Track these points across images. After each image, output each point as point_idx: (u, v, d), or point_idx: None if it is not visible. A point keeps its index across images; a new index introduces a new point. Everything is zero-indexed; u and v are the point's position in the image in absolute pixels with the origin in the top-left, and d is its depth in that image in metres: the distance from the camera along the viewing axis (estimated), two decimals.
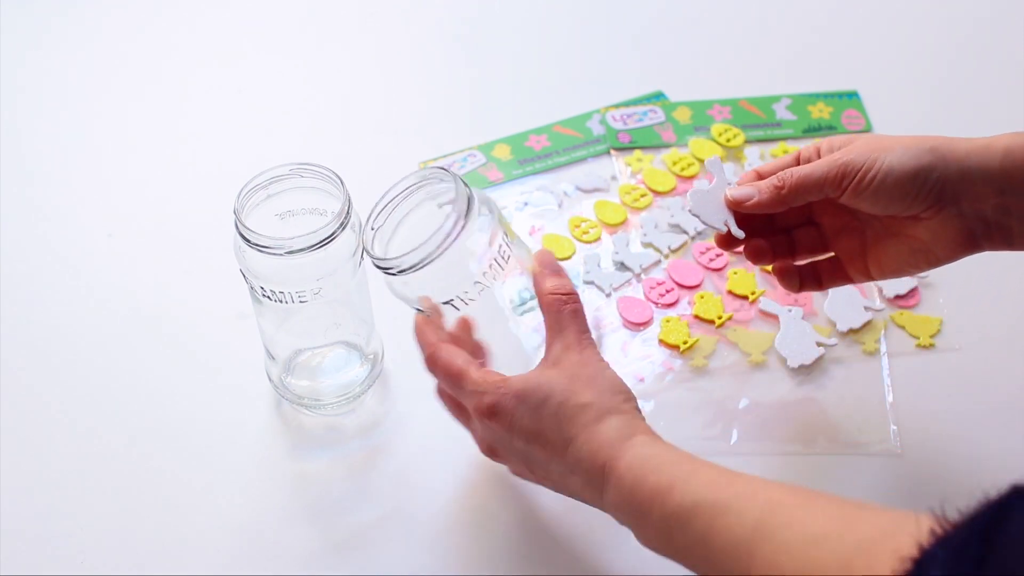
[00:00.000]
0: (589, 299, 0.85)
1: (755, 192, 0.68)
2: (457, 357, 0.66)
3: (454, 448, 0.75)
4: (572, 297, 0.66)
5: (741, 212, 0.69)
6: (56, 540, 0.72)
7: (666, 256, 0.87)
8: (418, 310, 0.69)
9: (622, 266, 0.87)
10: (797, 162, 0.70)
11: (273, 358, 0.76)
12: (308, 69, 1.04)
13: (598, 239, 0.89)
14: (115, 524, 0.72)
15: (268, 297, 0.70)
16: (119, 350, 0.82)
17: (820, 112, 0.97)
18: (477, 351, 0.69)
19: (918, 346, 0.81)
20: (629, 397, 0.63)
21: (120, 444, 0.76)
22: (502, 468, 0.74)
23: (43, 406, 0.79)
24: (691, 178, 0.92)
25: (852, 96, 0.98)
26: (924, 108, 0.98)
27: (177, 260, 0.88)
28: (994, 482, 0.73)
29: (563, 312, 0.65)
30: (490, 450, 0.68)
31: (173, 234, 0.90)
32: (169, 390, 0.79)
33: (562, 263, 0.86)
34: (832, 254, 0.72)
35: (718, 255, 0.87)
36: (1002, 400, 0.77)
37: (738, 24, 1.07)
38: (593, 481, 0.61)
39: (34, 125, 0.99)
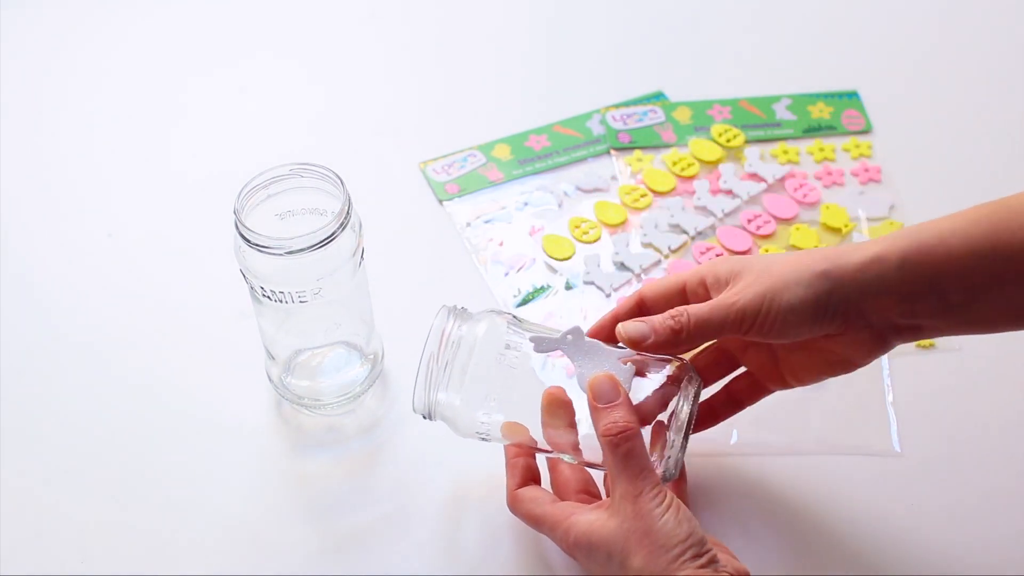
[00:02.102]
0: (589, 299, 0.85)
1: (650, 332, 0.65)
2: (532, 504, 0.67)
3: (454, 448, 0.75)
4: (625, 435, 0.62)
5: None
6: (56, 540, 0.72)
7: (666, 256, 0.87)
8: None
9: (622, 266, 0.87)
10: (683, 293, 0.68)
11: (273, 358, 0.76)
12: (309, 69, 1.04)
13: (598, 239, 0.89)
14: (115, 524, 0.72)
15: (268, 297, 0.70)
16: (119, 350, 0.82)
17: (820, 112, 0.97)
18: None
19: (918, 346, 0.81)
20: (684, 544, 0.60)
21: (120, 444, 0.76)
22: (500, 469, 0.74)
23: (43, 406, 0.79)
24: (691, 178, 0.92)
25: (852, 96, 0.98)
26: (924, 108, 0.98)
27: (177, 260, 0.88)
28: (994, 482, 0.73)
29: (617, 454, 0.62)
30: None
31: (173, 234, 0.90)
32: (169, 390, 0.79)
33: (562, 263, 0.86)
34: (743, 369, 0.71)
35: (718, 255, 0.87)
36: (1002, 400, 0.77)
37: (738, 24, 1.07)
38: None
39: (34, 125, 0.99)
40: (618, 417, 0.62)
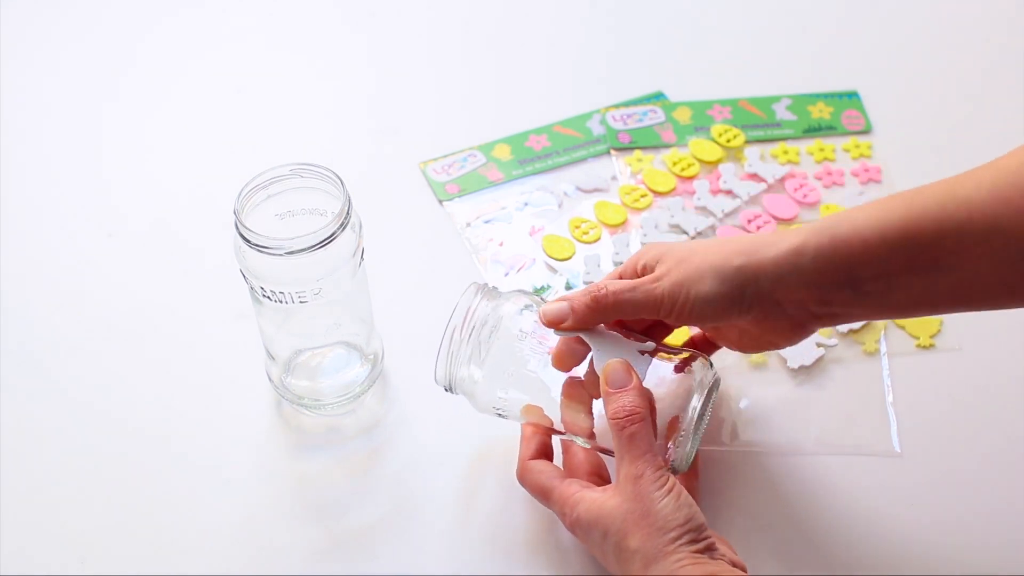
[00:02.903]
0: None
1: (568, 310, 0.66)
2: (541, 475, 0.68)
3: (454, 448, 0.76)
4: (631, 417, 0.63)
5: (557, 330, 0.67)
6: (56, 540, 0.72)
7: None
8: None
9: None
10: (636, 276, 0.69)
11: (273, 358, 0.76)
12: (308, 69, 1.04)
13: (598, 239, 0.89)
14: (115, 524, 0.72)
15: (268, 297, 0.70)
16: (119, 350, 0.82)
17: (820, 112, 0.97)
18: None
19: (918, 346, 0.81)
20: (681, 528, 0.61)
21: (120, 444, 0.76)
22: (500, 469, 0.74)
23: (43, 406, 0.79)
24: (691, 178, 0.92)
25: (852, 96, 0.98)
26: (924, 108, 0.98)
27: (177, 260, 0.88)
28: (994, 482, 0.73)
29: (622, 436, 0.63)
30: (592, 553, 0.68)
31: (173, 234, 0.90)
32: (169, 390, 0.79)
33: (562, 263, 0.86)
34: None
35: None
36: (1002, 400, 0.77)
37: (738, 24, 1.07)
38: None
39: (34, 125, 0.99)
40: (627, 401, 0.64)
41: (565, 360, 0.68)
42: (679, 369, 0.67)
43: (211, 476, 0.75)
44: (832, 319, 0.66)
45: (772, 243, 0.64)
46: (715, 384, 0.67)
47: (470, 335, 0.68)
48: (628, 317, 0.68)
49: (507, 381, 0.68)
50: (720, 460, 0.74)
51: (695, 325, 0.67)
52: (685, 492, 0.62)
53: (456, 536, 0.71)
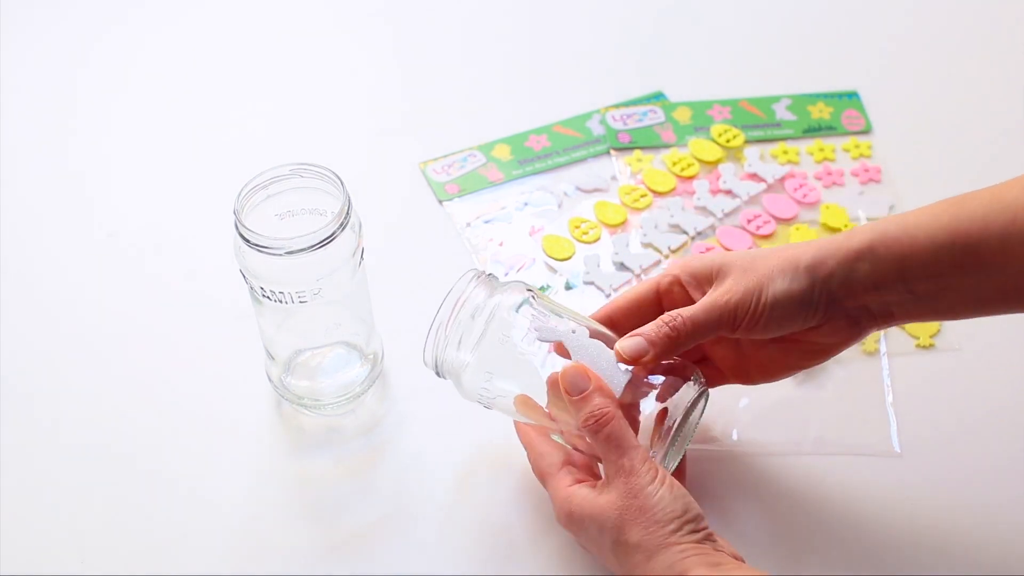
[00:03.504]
0: (589, 299, 0.85)
1: (648, 346, 0.65)
2: (543, 459, 0.68)
3: (454, 448, 0.76)
4: (601, 421, 0.63)
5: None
6: (56, 540, 0.72)
7: (666, 256, 0.87)
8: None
9: (622, 266, 0.87)
10: (657, 297, 0.70)
11: (273, 358, 0.76)
12: (308, 69, 1.04)
13: (598, 239, 0.89)
14: (115, 524, 0.72)
15: (268, 297, 0.70)
16: (118, 350, 0.82)
17: (820, 112, 0.97)
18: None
19: (918, 346, 0.81)
20: (680, 520, 0.61)
21: (120, 444, 0.76)
22: (500, 469, 0.74)
23: (43, 406, 0.79)
24: (691, 178, 0.92)
25: (852, 96, 0.98)
26: (924, 108, 0.98)
27: (177, 260, 0.88)
28: (994, 482, 0.73)
29: (599, 438, 0.63)
30: (582, 547, 0.68)
31: (173, 234, 0.90)
32: (169, 390, 0.79)
33: (562, 263, 0.87)
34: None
35: None
36: (1002, 400, 0.77)
37: (738, 24, 1.07)
38: None
39: (34, 125, 0.99)
40: (593, 406, 0.63)
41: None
42: (666, 380, 0.66)
43: (211, 476, 0.75)
44: (888, 319, 0.67)
45: (835, 246, 0.65)
46: (701, 392, 0.66)
47: (461, 321, 0.67)
48: (705, 339, 0.67)
49: (494, 373, 0.67)
50: (720, 460, 0.74)
51: (763, 334, 0.66)
52: (677, 483, 0.62)
53: (456, 536, 0.71)
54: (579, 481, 0.66)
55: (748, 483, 0.73)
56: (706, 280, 0.68)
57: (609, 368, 0.65)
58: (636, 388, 0.66)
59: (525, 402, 0.68)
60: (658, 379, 0.66)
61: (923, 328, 0.81)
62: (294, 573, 0.70)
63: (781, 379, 0.71)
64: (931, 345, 0.81)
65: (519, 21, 1.08)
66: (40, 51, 1.05)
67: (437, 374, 0.70)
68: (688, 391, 0.65)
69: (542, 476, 0.68)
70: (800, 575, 0.69)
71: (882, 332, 0.81)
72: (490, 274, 0.69)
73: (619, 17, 1.07)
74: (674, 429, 0.64)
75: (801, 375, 0.79)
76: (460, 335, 0.67)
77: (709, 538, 0.61)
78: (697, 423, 0.67)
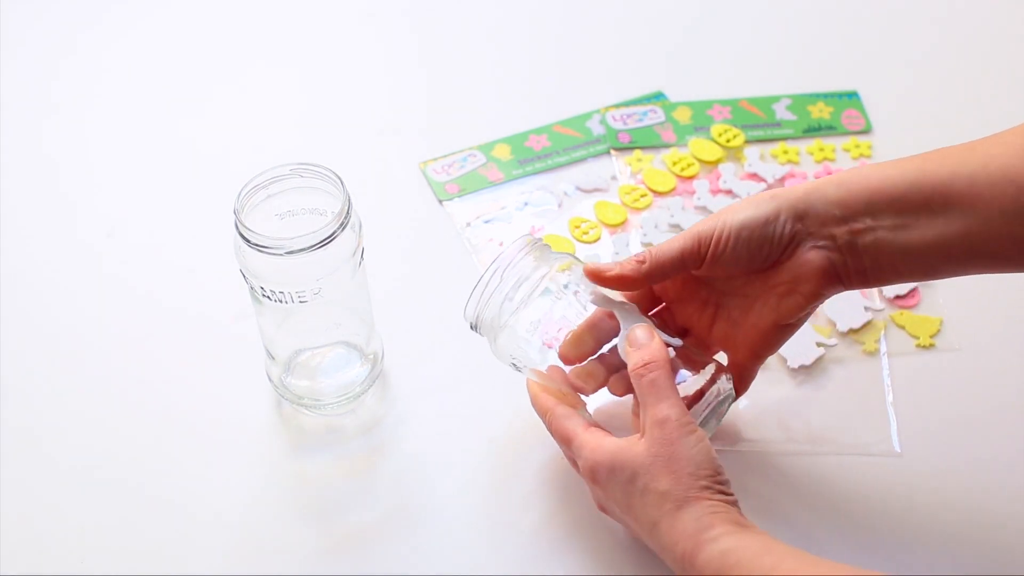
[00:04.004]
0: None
1: (615, 265, 0.68)
2: (567, 420, 0.67)
3: (454, 448, 0.76)
4: (649, 366, 0.64)
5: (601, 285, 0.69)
6: (56, 540, 0.72)
7: None
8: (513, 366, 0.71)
9: None
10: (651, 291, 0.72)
11: (273, 358, 0.76)
12: (309, 69, 1.04)
13: (598, 239, 0.89)
14: (115, 524, 0.72)
15: (268, 297, 0.70)
16: (118, 350, 0.82)
17: (820, 112, 0.97)
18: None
19: (918, 346, 0.81)
20: (711, 479, 0.62)
21: (120, 444, 0.76)
22: (500, 468, 0.74)
23: (43, 406, 0.79)
24: (691, 178, 0.92)
25: (852, 96, 0.98)
26: (924, 108, 0.98)
27: (177, 260, 0.88)
28: (994, 482, 0.73)
29: (642, 384, 0.64)
30: (600, 507, 0.68)
31: (173, 234, 0.90)
32: (169, 390, 0.79)
33: None
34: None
35: None
36: (1002, 400, 0.77)
37: (738, 24, 1.07)
38: (678, 566, 0.61)
39: (34, 124, 0.99)
40: (646, 353, 0.65)
41: (570, 354, 0.68)
42: (697, 369, 0.67)
43: (211, 476, 0.75)
44: (858, 272, 0.66)
45: (802, 184, 0.67)
46: (728, 396, 0.68)
47: (506, 284, 0.68)
48: (672, 272, 0.68)
49: (530, 339, 0.69)
50: (720, 460, 0.74)
51: (731, 266, 0.67)
52: (712, 448, 0.63)
53: (456, 536, 0.71)
54: (609, 435, 0.66)
55: (748, 483, 0.73)
56: None
57: None
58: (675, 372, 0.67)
59: (558, 371, 0.69)
60: (689, 375, 0.67)
61: (923, 328, 0.81)
62: (294, 573, 0.70)
63: (777, 345, 0.70)
64: (931, 345, 0.81)
65: (519, 21, 1.08)
66: (40, 49, 1.05)
67: (473, 328, 0.70)
68: (724, 382, 0.67)
69: (566, 436, 0.67)
70: (799, 575, 0.69)
71: (882, 332, 0.81)
72: (544, 243, 0.70)
73: (619, 17, 1.07)
74: (709, 409, 0.66)
75: (801, 375, 0.79)
76: (503, 298, 0.68)
77: (736, 505, 0.62)
78: (720, 421, 0.69)
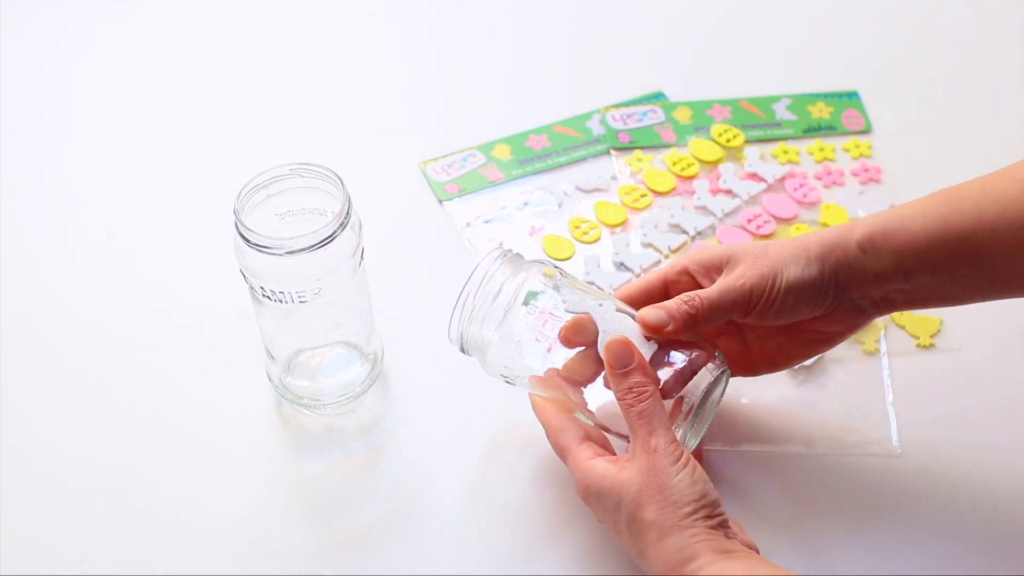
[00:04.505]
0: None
1: (668, 318, 0.67)
2: (562, 434, 0.68)
3: (454, 448, 0.76)
4: (640, 396, 0.64)
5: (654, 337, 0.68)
6: (56, 540, 0.72)
7: (666, 256, 0.87)
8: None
9: (622, 266, 0.87)
10: (665, 287, 0.71)
11: (273, 358, 0.76)
12: (309, 69, 1.04)
13: (598, 239, 0.89)
14: (115, 524, 0.72)
15: (268, 297, 0.70)
16: (118, 350, 0.82)
17: (820, 112, 0.97)
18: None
19: (918, 346, 0.81)
20: (697, 503, 0.62)
21: (120, 444, 0.76)
22: (501, 469, 0.74)
23: (42, 406, 0.79)
24: (691, 178, 0.92)
25: (852, 96, 0.98)
26: (924, 108, 0.98)
27: (177, 260, 0.88)
28: (994, 482, 0.73)
29: (631, 413, 0.64)
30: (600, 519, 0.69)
31: (173, 234, 0.90)
32: (168, 390, 0.79)
33: (562, 263, 0.86)
34: None
35: None
36: (1002, 400, 0.77)
37: (738, 24, 1.07)
38: None
39: (34, 124, 0.99)
40: (633, 381, 0.64)
41: (572, 338, 0.68)
42: (688, 360, 0.67)
43: (211, 476, 0.75)
44: (890, 306, 0.69)
45: (838, 237, 0.68)
46: (723, 374, 0.68)
47: (485, 299, 0.68)
48: (720, 320, 0.68)
49: (517, 350, 0.68)
50: (720, 460, 0.74)
51: (775, 320, 0.68)
52: (700, 467, 0.63)
53: (456, 536, 0.71)
54: (599, 455, 0.66)
55: (748, 483, 0.73)
56: (715, 269, 0.70)
57: (637, 341, 0.67)
58: (658, 364, 0.67)
59: (549, 379, 0.69)
60: (680, 357, 0.67)
61: (923, 328, 0.81)
62: (294, 573, 0.70)
63: (784, 369, 0.73)
64: (931, 345, 0.81)
65: (519, 21, 1.08)
66: (38, 50, 1.05)
67: (461, 350, 0.70)
68: (707, 373, 0.66)
69: (561, 451, 0.68)
70: (799, 575, 0.69)
71: (882, 332, 0.81)
72: (516, 252, 0.70)
73: (619, 17, 1.07)
74: (695, 408, 0.66)
75: (801, 375, 0.79)
76: (484, 313, 0.68)
77: (724, 525, 0.62)
78: (717, 404, 0.69)
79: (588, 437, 0.68)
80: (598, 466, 0.65)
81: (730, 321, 0.70)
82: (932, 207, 0.66)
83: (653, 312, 0.67)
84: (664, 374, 0.67)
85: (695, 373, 0.66)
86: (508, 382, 0.70)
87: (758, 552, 0.63)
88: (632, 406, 0.64)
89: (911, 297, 0.68)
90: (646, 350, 0.67)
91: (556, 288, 0.69)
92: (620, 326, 0.67)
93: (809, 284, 0.67)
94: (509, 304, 0.68)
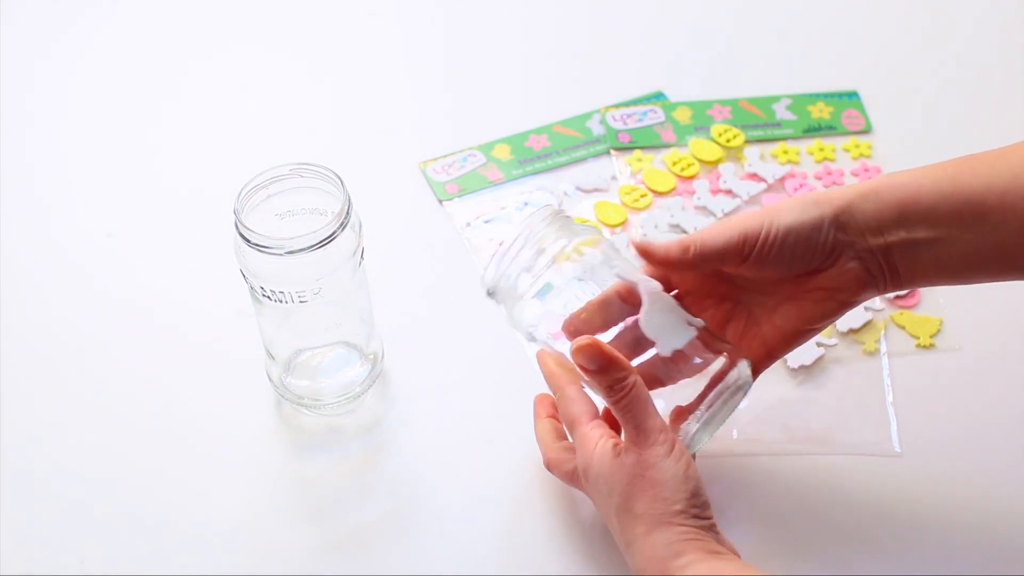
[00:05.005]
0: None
1: (661, 246, 0.67)
2: (574, 404, 0.67)
3: (454, 448, 0.76)
4: (621, 391, 0.63)
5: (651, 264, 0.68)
6: (56, 540, 0.72)
7: None
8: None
9: None
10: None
11: (273, 358, 0.76)
12: (309, 69, 1.04)
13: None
14: (115, 524, 0.72)
15: (268, 297, 0.70)
16: (119, 350, 0.82)
17: (820, 112, 0.97)
18: None
19: (918, 346, 0.81)
20: (687, 501, 0.61)
21: (119, 444, 0.76)
22: (501, 469, 0.74)
23: (42, 406, 0.79)
24: (691, 178, 0.92)
25: (852, 96, 0.98)
26: (924, 108, 0.98)
27: (177, 260, 0.88)
28: (994, 482, 0.73)
29: (619, 407, 0.64)
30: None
31: (173, 234, 0.90)
32: (168, 390, 0.79)
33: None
34: None
35: None
36: (1002, 400, 0.77)
37: (738, 24, 1.07)
38: None
39: (34, 124, 0.99)
40: (612, 378, 0.63)
41: (594, 316, 0.67)
42: (716, 352, 0.66)
43: (211, 476, 0.75)
44: (893, 277, 0.67)
45: (842, 188, 0.68)
46: (747, 383, 0.67)
47: (531, 250, 0.68)
48: (714, 265, 0.68)
49: (547, 311, 0.68)
50: (720, 460, 0.74)
51: (777, 266, 0.67)
52: (693, 464, 0.63)
53: (456, 536, 0.71)
54: (606, 436, 0.65)
55: (748, 483, 0.73)
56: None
57: (679, 321, 0.66)
58: (688, 363, 0.66)
59: (561, 358, 0.68)
60: (710, 356, 0.66)
61: (923, 328, 0.81)
62: (294, 573, 0.70)
63: (797, 344, 0.70)
64: (931, 345, 0.81)
65: (519, 21, 1.08)
66: (38, 49, 1.05)
67: (489, 294, 0.69)
68: (735, 373, 0.66)
69: (570, 422, 0.67)
70: (800, 575, 0.69)
71: (882, 332, 0.81)
72: (567, 215, 0.70)
73: (619, 17, 1.07)
74: (714, 407, 0.65)
75: (801, 375, 0.79)
76: (527, 263, 0.68)
77: (712, 528, 0.62)
78: (734, 410, 0.68)
79: (598, 415, 0.68)
80: (599, 448, 0.64)
81: (737, 300, 0.70)
82: (943, 168, 0.66)
83: (650, 242, 0.68)
84: (685, 366, 0.66)
85: (723, 376, 0.66)
86: (531, 339, 0.69)
87: (738, 556, 0.63)
88: (618, 401, 0.64)
89: (911, 256, 0.66)
90: (683, 337, 0.66)
91: (604, 256, 0.68)
92: (666, 303, 0.67)
93: (807, 226, 0.66)
94: (547, 266, 0.67)
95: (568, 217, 0.69)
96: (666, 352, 0.66)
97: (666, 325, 0.66)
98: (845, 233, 0.66)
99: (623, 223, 0.90)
